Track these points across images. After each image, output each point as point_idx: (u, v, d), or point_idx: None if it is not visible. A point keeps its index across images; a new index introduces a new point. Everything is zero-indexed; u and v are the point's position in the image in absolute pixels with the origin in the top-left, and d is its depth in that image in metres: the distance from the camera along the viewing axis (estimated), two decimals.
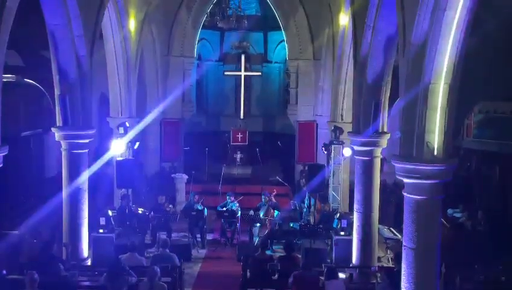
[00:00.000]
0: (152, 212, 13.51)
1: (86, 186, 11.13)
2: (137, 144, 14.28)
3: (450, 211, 14.40)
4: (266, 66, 22.29)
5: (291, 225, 13.92)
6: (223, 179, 16.86)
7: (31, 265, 8.81)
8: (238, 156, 19.70)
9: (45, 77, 12.06)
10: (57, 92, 10.68)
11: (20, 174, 14.91)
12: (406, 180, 7.52)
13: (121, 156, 13.64)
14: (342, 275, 9.50)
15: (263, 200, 14.16)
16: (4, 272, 8.83)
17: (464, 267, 9.99)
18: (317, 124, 18.68)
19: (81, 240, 11.05)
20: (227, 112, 22.27)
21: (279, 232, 13.75)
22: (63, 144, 10.89)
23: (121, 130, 13.46)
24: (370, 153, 11.12)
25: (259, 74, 21.74)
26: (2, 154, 7.47)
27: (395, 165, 7.64)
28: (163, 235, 13.09)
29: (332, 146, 14.70)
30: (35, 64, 14.94)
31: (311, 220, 13.84)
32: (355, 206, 11.37)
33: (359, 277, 10.35)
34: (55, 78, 10.60)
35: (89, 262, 11.18)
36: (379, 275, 9.71)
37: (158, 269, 8.29)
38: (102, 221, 12.01)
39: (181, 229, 14.25)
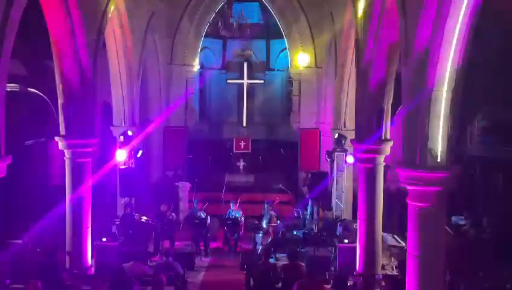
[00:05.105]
0: (155, 221, 13.50)
1: (89, 195, 11.13)
2: (140, 152, 14.30)
3: (454, 218, 14.33)
4: (269, 74, 22.32)
5: (295, 232, 13.88)
6: (226, 187, 16.84)
7: (34, 274, 8.79)
8: (241, 164, 19.75)
9: (48, 86, 12.09)
10: (60, 101, 10.72)
11: (23, 183, 14.91)
12: (409, 187, 7.50)
13: (124, 165, 13.66)
14: None
15: (266, 208, 14.13)
16: (8, 281, 8.82)
17: (469, 275, 9.93)
18: (320, 132, 18.67)
19: (84, 249, 11.04)
20: (230, 119, 22.29)
21: (283, 240, 13.71)
22: (67, 153, 10.92)
23: (121, 138, 13.54)
24: (373, 161, 11.11)
25: (262, 81, 21.78)
26: (5, 164, 7.48)
27: (399, 172, 7.63)
28: (166, 244, 13.07)
29: (336, 153, 14.69)
30: (39, 73, 14.98)
31: (315, 228, 13.81)
32: (359, 214, 11.34)
33: (363, 285, 10.29)
34: (59, 87, 10.64)
35: (92, 271, 11.17)
36: (383, 283, 9.66)
37: (164, 279, 8.28)
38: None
39: (184, 238, 14.24)
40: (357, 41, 11.40)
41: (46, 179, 16.84)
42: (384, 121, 10.84)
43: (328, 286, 9.01)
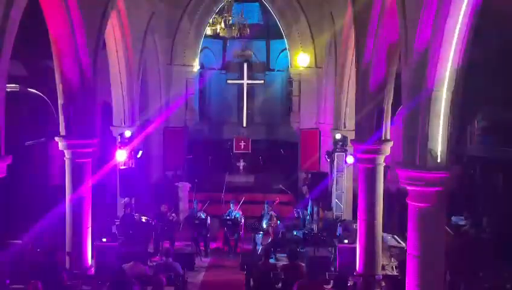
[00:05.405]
0: (155, 221, 13.50)
1: (89, 195, 11.13)
2: (140, 152, 14.32)
3: (454, 218, 14.33)
4: (269, 74, 22.33)
5: (295, 233, 13.88)
6: (226, 187, 16.84)
7: (34, 274, 8.79)
8: (241, 164, 19.76)
9: (48, 86, 12.10)
10: (60, 101, 10.72)
11: (23, 183, 14.92)
12: (409, 187, 7.50)
13: (124, 165, 13.67)
14: None
15: (266, 209, 14.13)
16: (8, 281, 8.82)
17: (469, 275, 9.92)
18: (320, 132, 18.68)
19: (84, 249, 11.04)
20: (230, 120, 22.30)
21: (283, 241, 13.71)
22: (67, 153, 10.92)
23: (119, 138, 13.62)
24: (373, 161, 11.10)
25: (262, 82, 21.79)
26: (5, 164, 7.48)
27: (399, 172, 7.63)
28: (166, 244, 13.06)
29: (336, 154, 14.69)
30: (39, 73, 14.99)
31: (315, 229, 13.81)
32: (359, 214, 11.33)
33: (363, 285, 10.29)
34: (59, 87, 10.64)
35: (92, 271, 11.16)
36: (383, 283, 9.66)
37: (164, 279, 8.28)
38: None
39: (184, 238, 14.23)
40: (357, 41, 11.39)
41: (46, 179, 16.84)
42: (384, 121, 10.84)
43: (328, 286, 9.02)
